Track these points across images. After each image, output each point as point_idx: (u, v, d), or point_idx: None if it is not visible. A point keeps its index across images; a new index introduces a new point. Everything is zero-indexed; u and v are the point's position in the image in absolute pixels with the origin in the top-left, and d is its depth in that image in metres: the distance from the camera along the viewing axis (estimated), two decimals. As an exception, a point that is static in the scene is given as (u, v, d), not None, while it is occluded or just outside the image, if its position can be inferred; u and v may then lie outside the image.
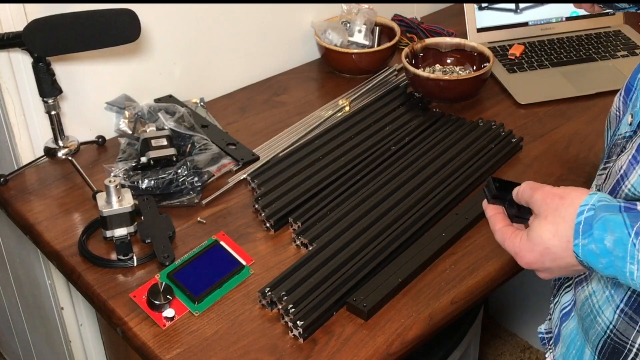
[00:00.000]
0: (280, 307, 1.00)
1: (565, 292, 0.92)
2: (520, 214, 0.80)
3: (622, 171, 0.77)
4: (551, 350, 0.95)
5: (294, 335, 0.99)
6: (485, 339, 2.08)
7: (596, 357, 0.81)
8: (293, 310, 0.99)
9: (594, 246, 0.66)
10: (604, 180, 0.83)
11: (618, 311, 0.78)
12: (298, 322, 0.98)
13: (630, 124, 0.80)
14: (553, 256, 0.71)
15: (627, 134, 0.81)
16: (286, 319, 0.99)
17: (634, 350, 0.76)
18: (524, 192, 0.77)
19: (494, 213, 0.82)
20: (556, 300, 0.95)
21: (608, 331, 0.79)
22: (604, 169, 0.87)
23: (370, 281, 1.05)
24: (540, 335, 1.00)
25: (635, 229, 0.64)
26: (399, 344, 0.98)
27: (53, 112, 1.25)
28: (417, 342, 1.00)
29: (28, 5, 1.21)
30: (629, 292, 0.77)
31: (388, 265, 1.08)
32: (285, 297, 1.01)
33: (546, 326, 1.00)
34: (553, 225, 0.70)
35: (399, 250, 1.11)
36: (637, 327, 0.76)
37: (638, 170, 0.74)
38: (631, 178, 0.75)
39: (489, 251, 1.13)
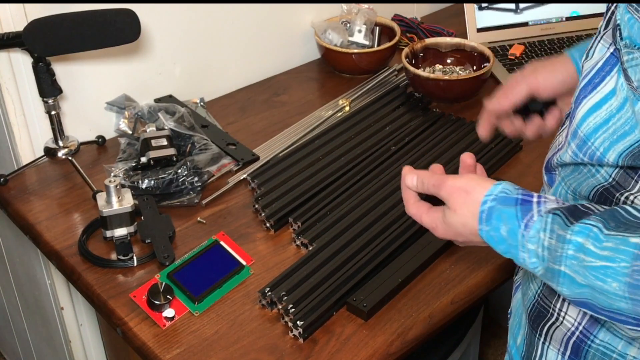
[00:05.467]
0: (280, 307, 1.00)
1: (520, 269, 0.96)
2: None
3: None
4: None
5: (294, 335, 0.99)
6: (485, 339, 2.08)
7: (527, 322, 0.86)
8: (293, 310, 0.99)
9: (493, 233, 0.74)
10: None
11: None
12: (298, 322, 0.98)
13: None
14: (464, 238, 0.80)
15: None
16: (286, 319, 0.99)
17: (555, 314, 0.81)
18: (428, 188, 0.82)
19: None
20: (515, 278, 0.98)
21: (536, 295, 0.84)
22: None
23: (370, 281, 1.05)
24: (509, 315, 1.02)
25: (525, 221, 0.71)
26: (399, 344, 0.98)
27: (53, 112, 1.25)
28: (417, 342, 1.00)
29: (28, 5, 1.21)
30: None
31: (388, 265, 1.08)
32: (285, 297, 1.01)
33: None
34: (462, 218, 0.77)
35: (399, 250, 1.11)
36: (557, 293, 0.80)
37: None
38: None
39: (489, 251, 1.12)
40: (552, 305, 0.82)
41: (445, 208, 0.80)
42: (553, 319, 0.82)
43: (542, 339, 0.84)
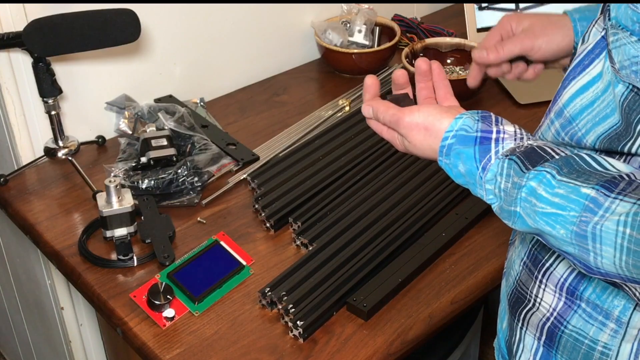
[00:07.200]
0: (280, 307, 1.00)
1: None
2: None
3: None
4: None
5: (294, 335, 0.99)
6: (485, 339, 2.08)
7: (508, 307, 0.88)
8: (293, 310, 0.99)
9: (452, 167, 0.76)
10: None
11: (521, 263, 0.84)
12: (298, 322, 0.98)
13: None
14: (421, 156, 0.82)
15: None
16: (286, 319, 0.99)
17: (532, 300, 0.82)
18: (384, 121, 0.83)
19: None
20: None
21: (515, 282, 0.86)
22: None
23: (370, 281, 1.05)
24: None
25: (482, 164, 0.73)
26: (399, 344, 0.98)
27: (53, 112, 1.25)
28: (417, 342, 1.00)
29: (28, 5, 1.21)
30: (529, 246, 0.83)
31: (388, 265, 1.08)
32: (285, 297, 1.01)
33: None
34: (422, 151, 0.80)
35: (399, 250, 1.11)
36: (533, 278, 0.82)
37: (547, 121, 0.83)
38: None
39: (489, 251, 1.13)
40: (529, 291, 0.83)
41: (401, 141, 0.82)
42: (530, 305, 0.83)
43: (520, 324, 0.85)
